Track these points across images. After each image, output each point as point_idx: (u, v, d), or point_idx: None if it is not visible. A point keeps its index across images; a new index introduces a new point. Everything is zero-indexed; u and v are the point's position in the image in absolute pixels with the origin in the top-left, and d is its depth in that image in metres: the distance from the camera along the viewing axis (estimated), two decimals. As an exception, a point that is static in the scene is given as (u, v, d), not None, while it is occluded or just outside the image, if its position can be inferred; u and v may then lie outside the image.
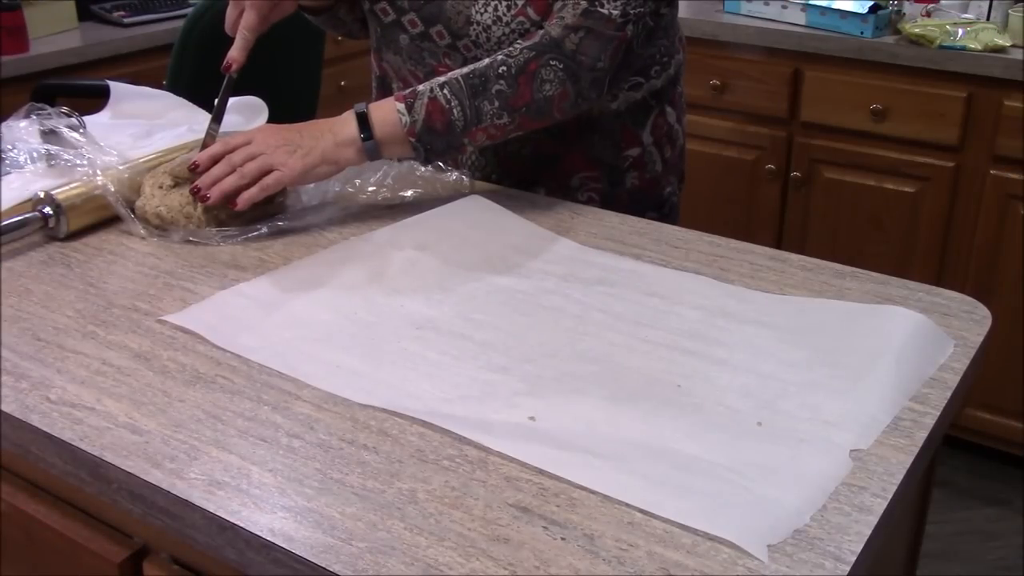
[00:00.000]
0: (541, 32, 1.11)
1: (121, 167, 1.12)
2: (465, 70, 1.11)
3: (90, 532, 0.80)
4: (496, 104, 1.10)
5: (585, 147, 1.25)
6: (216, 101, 1.17)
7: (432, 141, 1.10)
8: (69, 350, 0.86)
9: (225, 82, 1.16)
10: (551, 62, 1.10)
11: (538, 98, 1.11)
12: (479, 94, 1.09)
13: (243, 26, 1.13)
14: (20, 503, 0.84)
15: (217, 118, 1.16)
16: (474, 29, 1.15)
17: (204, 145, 1.13)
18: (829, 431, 0.76)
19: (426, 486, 0.70)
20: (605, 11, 1.10)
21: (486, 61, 1.11)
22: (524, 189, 1.25)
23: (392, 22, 1.22)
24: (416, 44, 1.21)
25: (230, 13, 1.15)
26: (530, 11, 1.13)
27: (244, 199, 1.07)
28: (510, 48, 1.11)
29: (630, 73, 1.21)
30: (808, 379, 0.82)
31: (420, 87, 1.11)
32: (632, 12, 1.10)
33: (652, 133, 1.27)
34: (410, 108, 1.10)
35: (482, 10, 1.14)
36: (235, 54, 1.14)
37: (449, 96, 1.09)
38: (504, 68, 1.10)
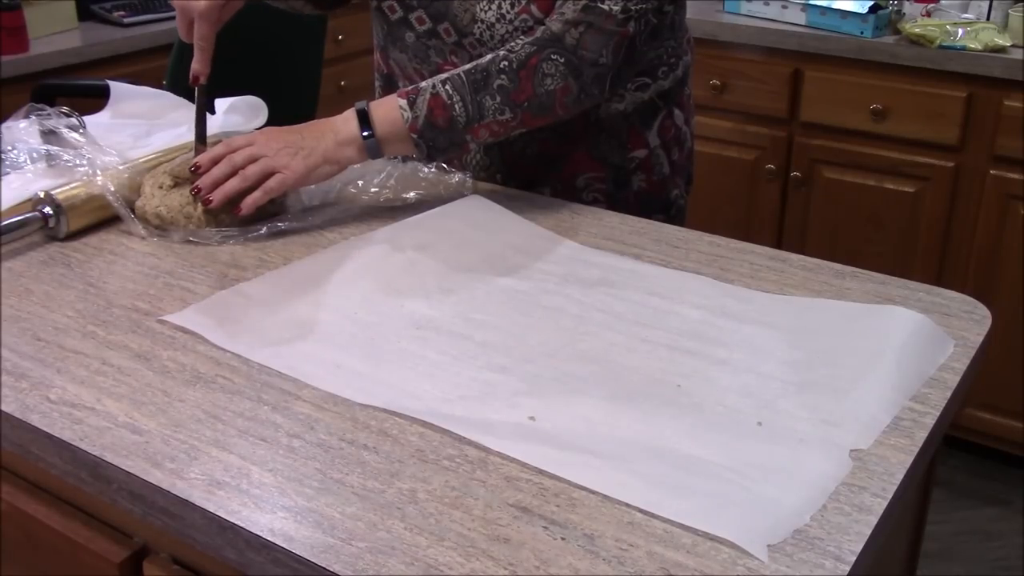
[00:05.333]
0: (542, 28, 1.11)
1: (121, 167, 1.12)
2: (467, 66, 1.11)
3: (90, 532, 0.80)
4: (498, 99, 1.10)
5: (590, 147, 1.24)
6: (195, 117, 1.14)
7: (434, 137, 1.10)
8: (69, 350, 0.86)
9: (197, 95, 1.14)
10: (552, 56, 1.09)
11: (540, 92, 1.10)
12: (481, 89, 1.09)
13: (197, 36, 1.12)
14: (20, 503, 0.84)
15: (200, 137, 1.15)
16: (479, 27, 1.15)
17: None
18: (829, 431, 0.76)
19: (426, 486, 0.70)
20: (605, 7, 1.09)
21: (488, 57, 1.11)
22: (529, 189, 1.24)
23: (399, 19, 1.22)
24: (423, 42, 1.21)
25: (180, 23, 1.13)
26: (534, 8, 1.13)
27: (248, 203, 1.07)
28: (511, 44, 1.11)
29: (635, 72, 1.21)
30: (808, 379, 0.82)
31: (423, 83, 1.11)
32: (633, 8, 1.10)
33: (659, 135, 1.27)
34: (412, 104, 1.09)
35: (486, 7, 1.14)
36: (197, 67, 1.12)
37: (451, 92, 1.09)
38: (505, 63, 1.10)
